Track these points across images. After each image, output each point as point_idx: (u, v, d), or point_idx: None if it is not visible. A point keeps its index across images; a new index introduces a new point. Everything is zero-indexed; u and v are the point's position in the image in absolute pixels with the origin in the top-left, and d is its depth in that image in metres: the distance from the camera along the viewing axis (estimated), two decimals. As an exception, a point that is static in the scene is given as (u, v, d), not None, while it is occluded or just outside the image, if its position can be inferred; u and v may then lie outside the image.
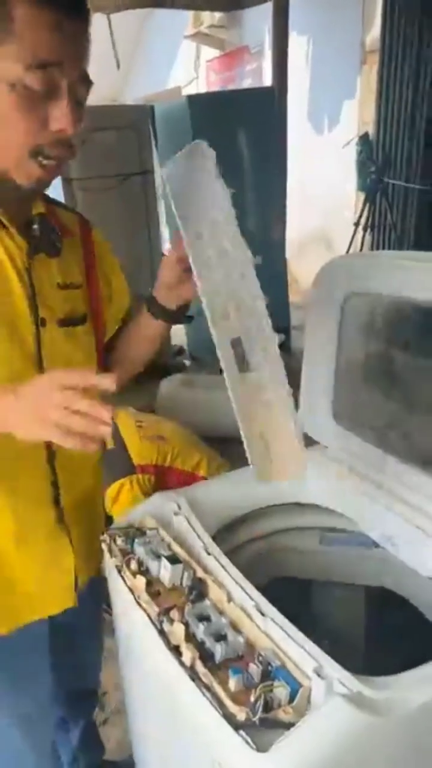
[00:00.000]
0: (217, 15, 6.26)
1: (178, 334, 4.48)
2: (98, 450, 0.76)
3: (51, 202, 1.03)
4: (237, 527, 1.16)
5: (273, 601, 0.85)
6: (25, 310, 0.92)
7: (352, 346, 1.18)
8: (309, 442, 1.29)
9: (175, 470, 2.18)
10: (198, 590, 0.87)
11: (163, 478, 2.13)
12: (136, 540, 0.97)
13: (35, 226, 0.92)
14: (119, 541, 0.99)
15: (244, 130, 3.82)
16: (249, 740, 0.68)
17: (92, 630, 1.30)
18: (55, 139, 0.81)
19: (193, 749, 0.80)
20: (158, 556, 0.93)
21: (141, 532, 1.00)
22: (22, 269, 0.91)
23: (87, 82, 0.84)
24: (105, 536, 1.01)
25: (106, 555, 0.99)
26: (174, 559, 0.91)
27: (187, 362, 4.43)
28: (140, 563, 0.94)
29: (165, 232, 4.26)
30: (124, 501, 1.99)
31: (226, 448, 3.04)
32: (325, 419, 1.22)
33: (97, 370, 1.07)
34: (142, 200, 3.71)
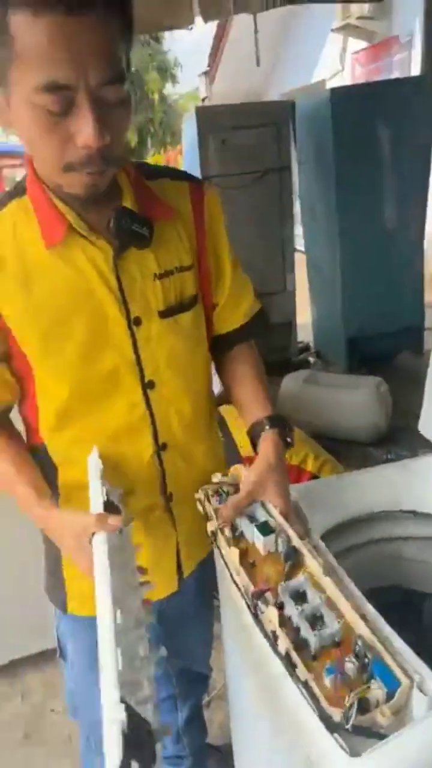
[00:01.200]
0: (367, 6, 6.10)
1: (305, 330, 4.46)
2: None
3: (157, 174, 1.00)
4: (346, 530, 1.15)
5: (381, 611, 0.84)
6: (116, 313, 0.92)
7: None
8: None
9: None
10: (293, 560, 0.86)
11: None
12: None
13: (111, 225, 0.88)
14: (213, 501, 0.99)
15: (389, 123, 3.69)
16: (343, 744, 0.68)
17: (201, 616, 1.32)
18: (84, 155, 0.78)
19: (288, 743, 0.81)
20: (252, 520, 0.92)
21: (236, 488, 0.99)
22: (107, 272, 0.90)
23: (117, 83, 0.76)
24: (200, 493, 1.01)
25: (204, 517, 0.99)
26: (266, 529, 0.89)
27: (312, 359, 4.39)
28: (234, 528, 0.94)
29: (299, 229, 4.24)
30: None
31: (347, 450, 3.00)
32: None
33: (204, 359, 1.08)
34: (278, 196, 3.72)
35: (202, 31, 9.07)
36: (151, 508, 1.05)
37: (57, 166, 0.81)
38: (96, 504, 0.87)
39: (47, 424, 0.98)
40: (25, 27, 0.70)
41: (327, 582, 0.83)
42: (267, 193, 3.69)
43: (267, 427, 1.02)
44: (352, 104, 3.62)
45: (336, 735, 0.68)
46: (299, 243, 4.25)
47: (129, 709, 0.63)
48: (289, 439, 1.03)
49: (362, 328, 4.02)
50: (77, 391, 0.94)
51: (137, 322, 0.94)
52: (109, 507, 0.87)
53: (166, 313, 0.97)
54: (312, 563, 0.86)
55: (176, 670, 1.36)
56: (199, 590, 1.21)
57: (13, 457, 0.98)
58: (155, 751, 0.63)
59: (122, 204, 0.91)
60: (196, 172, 3.52)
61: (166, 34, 10.85)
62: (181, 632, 1.25)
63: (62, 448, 0.99)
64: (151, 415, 0.99)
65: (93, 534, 0.83)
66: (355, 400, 3.17)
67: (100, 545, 0.80)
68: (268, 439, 1.01)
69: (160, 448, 1.02)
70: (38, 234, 0.88)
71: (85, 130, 0.75)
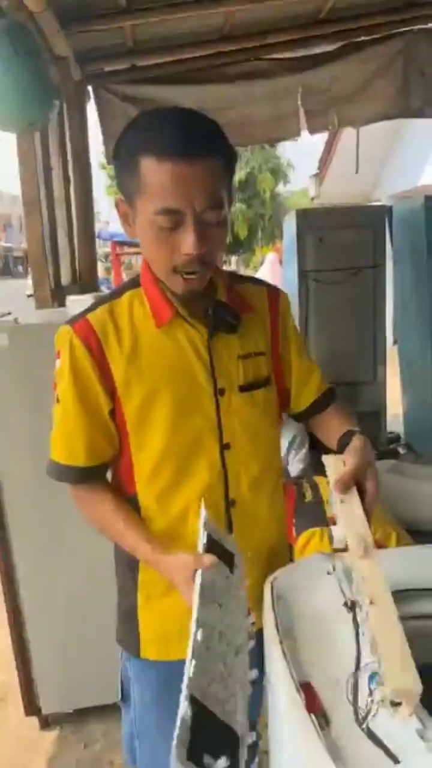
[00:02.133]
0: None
1: (396, 421, 4.47)
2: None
3: (242, 280, 1.25)
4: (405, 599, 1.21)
5: None
6: (206, 384, 1.13)
7: None
8: None
9: None
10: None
11: None
12: None
13: (209, 312, 1.13)
14: None
15: None
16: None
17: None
18: (187, 260, 1.02)
19: None
20: None
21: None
22: (202, 350, 1.13)
23: (217, 208, 1.00)
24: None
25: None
26: None
27: (402, 450, 4.37)
28: None
29: (390, 323, 4.36)
30: (312, 551, 2.05)
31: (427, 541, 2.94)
32: None
33: (273, 430, 1.26)
34: (371, 292, 3.89)
35: (316, 137, 9.75)
36: None
37: (167, 268, 1.06)
38: (199, 546, 1.03)
39: (141, 477, 1.16)
40: (151, 167, 0.97)
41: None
42: (361, 288, 3.87)
43: (357, 434, 1.16)
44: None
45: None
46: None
47: (197, 705, 0.75)
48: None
49: None
50: (169, 447, 1.13)
51: (221, 392, 1.15)
52: (216, 548, 1.03)
53: (245, 388, 1.18)
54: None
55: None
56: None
57: (120, 510, 1.15)
58: (237, 756, 0.72)
59: (218, 297, 1.16)
60: (294, 268, 3.79)
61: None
62: None
63: (152, 499, 1.16)
64: (225, 473, 1.16)
65: (195, 570, 0.98)
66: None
67: (197, 577, 0.96)
68: (357, 439, 1.14)
69: (230, 504, 1.18)
70: (149, 316, 1.13)
71: (188, 241, 1.00)
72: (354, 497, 1.08)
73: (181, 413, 1.12)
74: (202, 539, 1.05)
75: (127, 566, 1.20)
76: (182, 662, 1.15)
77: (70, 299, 2.15)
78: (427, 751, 0.77)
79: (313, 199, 9.81)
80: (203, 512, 1.10)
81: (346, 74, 3.34)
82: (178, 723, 0.72)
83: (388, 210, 4.09)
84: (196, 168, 0.96)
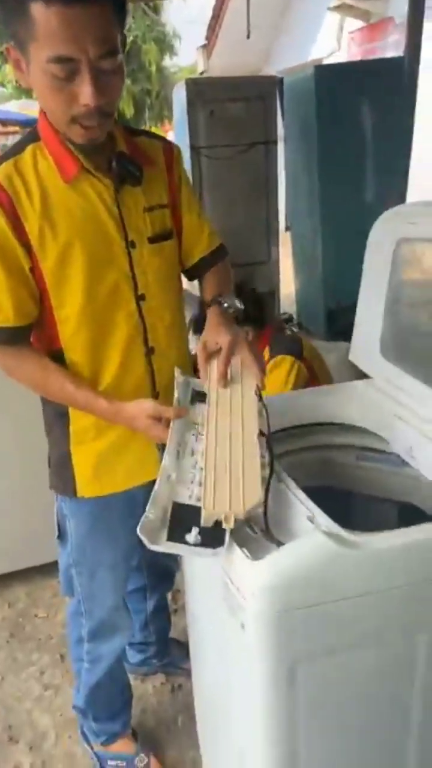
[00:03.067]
0: (362, -15, 6.20)
1: (288, 302, 4.66)
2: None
3: (136, 133, 1.26)
4: (286, 437, 1.37)
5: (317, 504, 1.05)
6: (117, 236, 1.17)
7: (401, 288, 1.33)
8: (359, 374, 1.48)
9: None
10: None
11: (309, 384, 2.23)
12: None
13: (114, 165, 1.14)
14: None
15: (370, 102, 3.87)
16: (247, 553, 0.91)
17: None
18: (85, 111, 1.01)
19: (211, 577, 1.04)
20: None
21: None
22: (111, 204, 1.15)
23: (111, 55, 0.98)
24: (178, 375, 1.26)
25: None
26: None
27: (295, 329, 4.60)
28: None
29: (282, 202, 4.42)
30: (279, 376, 2.12)
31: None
32: (373, 353, 1.39)
33: (179, 282, 1.33)
34: (263, 169, 3.90)
35: (202, 3, 9.08)
36: (142, 392, 1.27)
37: (65, 119, 1.04)
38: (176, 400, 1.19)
39: (65, 333, 1.19)
40: (40, 11, 0.92)
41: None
42: (253, 165, 3.86)
43: (216, 305, 1.29)
44: (336, 81, 3.80)
45: (244, 548, 0.91)
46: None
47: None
48: (231, 310, 1.29)
49: (341, 300, 4.23)
50: (88, 302, 1.16)
51: (133, 245, 1.19)
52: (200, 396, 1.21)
53: (153, 240, 1.22)
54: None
55: (147, 562, 1.60)
56: None
57: (62, 371, 1.19)
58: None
59: (119, 149, 1.16)
60: (185, 143, 3.70)
61: (165, 5, 10.84)
62: None
63: (77, 354, 1.21)
64: (143, 322, 1.23)
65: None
66: (327, 363, 3.38)
67: (174, 425, 1.10)
68: (209, 312, 1.28)
69: (150, 351, 1.25)
70: (55, 171, 1.12)
71: (86, 92, 0.98)
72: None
73: (97, 266, 1.15)
74: (181, 394, 1.21)
75: (59, 417, 1.26)
76: (113, 495, 1.29)
77: None
78: (314, 531, 0.92)
79: (201, 73, 9.32)
80: (177, 373, 1.25)
81: None
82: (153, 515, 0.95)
83: (279, 82, 4.03)
84: (87, 12, 0.93)
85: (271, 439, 1.12)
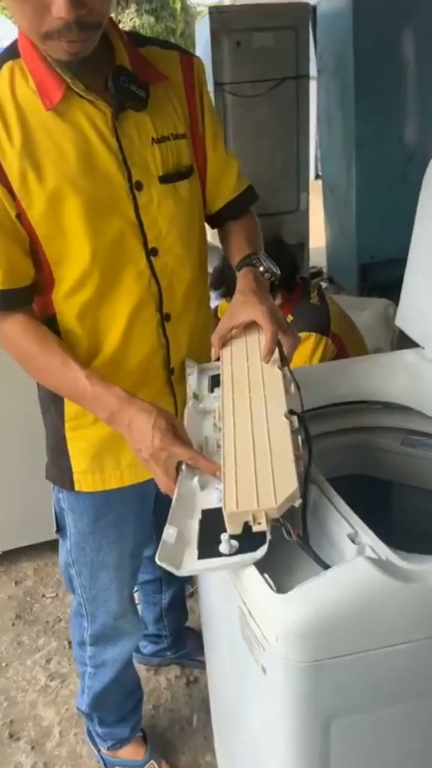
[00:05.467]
0: None
1: (318, 256, 4.36)
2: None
3: (145, 42, 1.01)
4: (317, 418, 1.16)
5: (350, 495, 0.86)
6: (118, 176, 0.94)
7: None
8: (399, 341, 1.25)
9: None
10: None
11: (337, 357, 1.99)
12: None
13: (110, 84, 0.90)
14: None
15: (415, 33, 3.49)
16: (271, 582, 0.71)
17: None
18: (62, 24, 0.79)
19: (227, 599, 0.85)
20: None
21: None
22: (108, 134, 0.92)
23: None
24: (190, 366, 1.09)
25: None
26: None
27: (325, 284, 4.32)
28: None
29: (314, 140, 4.09)
30: (300, 355, 1.86)
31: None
32: (427, 317, 1.15)
33: (202, 230, 1.10)
34: (294, 107, 3.56)
35: None
36: (155, 382, 1.08)
37: (38, 35, 0.83)
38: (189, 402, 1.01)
39: (60, 294, 0.98)
40: None
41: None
42: (282, 103, 3.52)
43: (243, 266, 1.05)
44: (377, 8, 3.41)
45: (266, 575, 0.71)
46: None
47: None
48: (268, 276, 1.06)
49: (376, 253, 3.92)
50: (88, 257, 0.94)
51: (138, 186, 0.96)
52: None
53: (166, 179, 0.98)
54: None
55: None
56: None
57: (57, 344, 0.97)
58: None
59: (119, 63, 0.92)
60: (209, 80, 3.37)
61: None
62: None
63: (72, 319, 1.00)
64: (157, 283, 1.01)
65: (180, 462, 0.88)
66: (359, 321, 3.13)
67: (186, 481, 0.86)
68: (241, 275, 1.04)
69: (165, 318, 1.04)
70: (37, 96, 0.89)
71: (57, 2, 0.78)
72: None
73: (95, 216, 0.93)
74: (196, 386, 1.04)
75: (51, 396, 1.06)
76: (119, 490, 1.10)
77: None
78: (357, 553, 0.72)
79: (228, 9, 8.76)
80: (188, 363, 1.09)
81: None
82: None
83: (312, 9, 3.64)
84: None
85: (305, 418, 0.90)
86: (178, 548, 0.77)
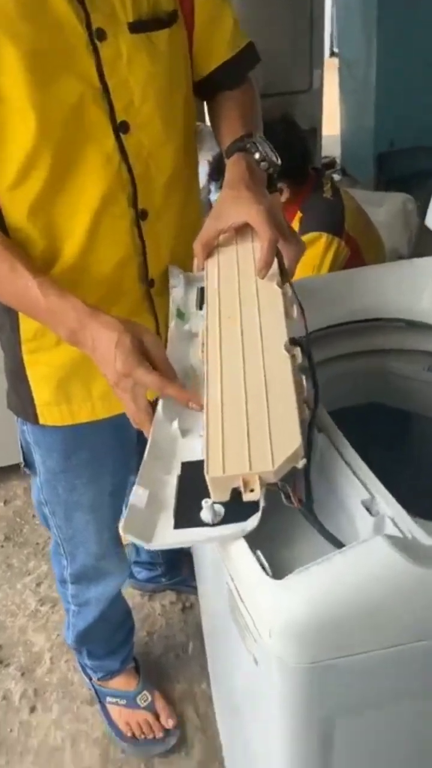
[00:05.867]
0: None
1: (330, 146, 3.98)
2: None
3: None
4: (329, 337, 0.98)
5: (364, 427, 0.69)
6: (73, 22, 0.71)
7: None
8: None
9: None
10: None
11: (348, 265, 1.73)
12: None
13: None
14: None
15: None
16: (265, 563, 0.57)
17: None
18: None
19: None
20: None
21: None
22: None
23: None
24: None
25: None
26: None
27: (338, 176, 3.97)
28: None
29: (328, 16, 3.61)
30: (310, 258, 1.63)
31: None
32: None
33: (186, 108, 0.87)
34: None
35: None
36: (130, 297, 0.89)
37: None
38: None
39: (5, 182, 0.77)
40: None
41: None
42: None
43: (234, 151, 0.84)
44: None
45: (259, 552, 0.57)
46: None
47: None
48: (265, 165, 0.84)
49: (396, 140, 3.58)
50: (37, 133, 0.73)
51: (101, 35, 0.74)
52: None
53: (138, 27, 0.77)
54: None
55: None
56: None
57: (9, 250, 0.77)
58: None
59: None
60: None
61: None
62: None
63: (22, 215, 0.79)
64: (129, 169, 0.80)
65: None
66: (375, 219, 2.86)
67: (162, 424, 0.70)
68: (231, 164, 0.83)
69: (140, 215, 0.84)
70: None
71: None
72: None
73: (42, 74, 0.71)
74: (180, 300, 0.85)
75: (4, 311, 0.88)
76: (91, 424, 0.93)
77: None
78: (374, 529, 0.57)
79: None
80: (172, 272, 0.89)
81: None
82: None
83: None
84: None
85: (310, 346, 0.72)
86: (149, 514, 0.62)
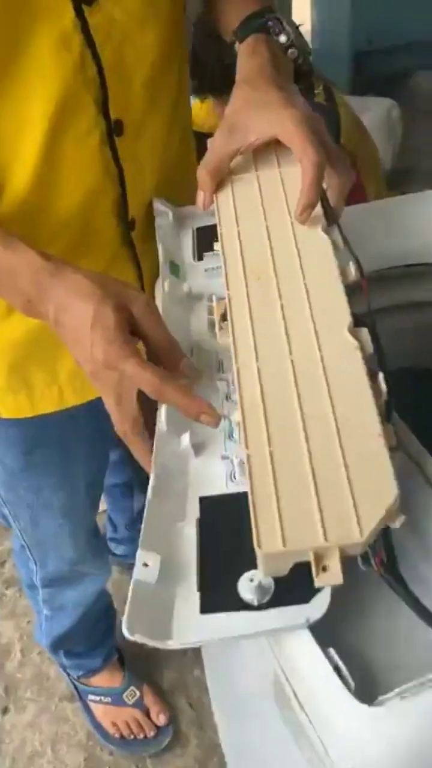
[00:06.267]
0: None
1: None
2: None
3: None
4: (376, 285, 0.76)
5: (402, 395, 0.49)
6: None
7: None
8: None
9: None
10: None
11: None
12: None
13: None
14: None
15: None
16: (348, 676, 0.37)
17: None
18: None
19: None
20: None
21: None
22: None
23: None
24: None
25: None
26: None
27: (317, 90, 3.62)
28: None
29: None
30: None
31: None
32: None
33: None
34: None
35: None
36: (104, 243, 0.65)
37: None
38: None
39: None
40: None
41: None
42: None
43: (250, 32, 0.58)
44: None
45: (342, 666, 0.37)
46: None
47: None
48: (293, 53, 0.59)
49: (375, 38, 3.30)
50: None
51: None
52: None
53: None
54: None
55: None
56: None
57: None
58: None
59: None
60: None
61: None
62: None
63: None
64: (95, 58, 0.54)
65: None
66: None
67: (167, 441, 0.49)
68: (245, 51, 0.58)
69: (114, 128, 0.58)
70: None
71: None
72: None
73: None
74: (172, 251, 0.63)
75: None
76: (57, 414, 0.70)
77: None
78: None
79: None
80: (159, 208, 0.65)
81: None
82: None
83: None
84: None
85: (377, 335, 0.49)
86: (162, 592, 0.41)
